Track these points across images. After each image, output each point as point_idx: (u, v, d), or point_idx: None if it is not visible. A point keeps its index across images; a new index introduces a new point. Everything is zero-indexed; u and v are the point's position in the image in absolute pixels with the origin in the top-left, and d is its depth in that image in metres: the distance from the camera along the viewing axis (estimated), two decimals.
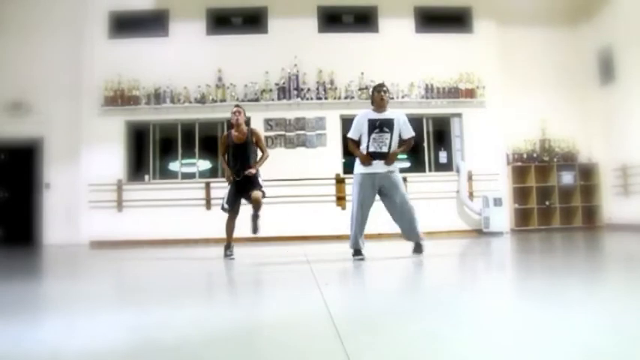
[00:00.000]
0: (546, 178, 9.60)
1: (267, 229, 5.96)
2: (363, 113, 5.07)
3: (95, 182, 8.83)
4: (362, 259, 4.92)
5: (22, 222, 9.08)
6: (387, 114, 5.01)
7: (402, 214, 5.03)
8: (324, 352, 1.82)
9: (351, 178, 8.91)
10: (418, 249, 5.09)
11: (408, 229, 5.07)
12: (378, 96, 4.99)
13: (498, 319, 2.36)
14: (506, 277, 4.19)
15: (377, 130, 4.88)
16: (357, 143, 5.06)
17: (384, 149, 4.90)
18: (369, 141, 4.89)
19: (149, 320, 2.47)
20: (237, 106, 5.91)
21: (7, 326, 2.36)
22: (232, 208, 5.64)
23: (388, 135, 4.89)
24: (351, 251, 5.09)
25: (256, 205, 5.53)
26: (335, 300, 2.88)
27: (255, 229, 5.57)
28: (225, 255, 5.63)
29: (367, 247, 5.18)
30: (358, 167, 5.04)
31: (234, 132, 5.73)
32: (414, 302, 2.89)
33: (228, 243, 5.72)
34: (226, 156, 5.75)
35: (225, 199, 5.64)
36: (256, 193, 5.49)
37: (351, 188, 8.85)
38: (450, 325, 2.19)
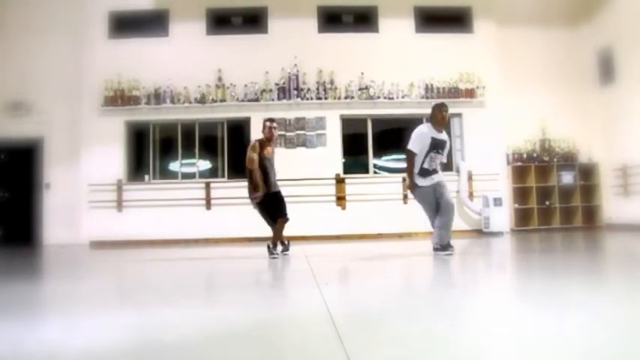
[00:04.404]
0: (546, 178, 9.59)
1: (267, 229, 5.94)
2: (426, 130, 5.20)
3: (95, 182, 8.83)
4: (451, 254, 5.05)
5: (22, 222, 9.08)
6: (443, 135, 5.26)
7: (446, 214, 5.11)
8: (324, 352, 1.82)
9: (352, 178, 9.10)
10: (444, 248, 5.11)
11: (447, 228, 5.13)
12: (440, 115, 5.14)
13: (498, 319, 2.36)
14: (506, 278, 4.19)
15: (435, 151, 5.13)
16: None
17: (435, 167, 5.19)
18: (426, 157, 5.10)
19: (149, 320, 2.47)
20: (272, 120, 5.76)
21: (7, 326, 2.36)
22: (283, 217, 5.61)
23: (441, 156, 5.22)
24: (438, 247, 5.14)
25: (279, 230, 5.57)
26: (335, 300, 2.88)
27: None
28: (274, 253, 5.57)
29: (367, 248, 5.17)
30: (420, 181, 5.18)
31: (267, 146, 5.65)
32: (414, 302, 2.89)
33: (280, 241, 5.73)
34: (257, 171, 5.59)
35: (270, 215, 5.64)
36: (283, 220, 5.57)
37: (351, 188, 9.01)
38: (449, 325, 2.19)
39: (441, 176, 5.25)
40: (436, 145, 5.10)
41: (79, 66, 9.18)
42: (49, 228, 9.01)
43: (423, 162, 5.10)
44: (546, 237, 7.99)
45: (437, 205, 5.18)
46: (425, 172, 5.12)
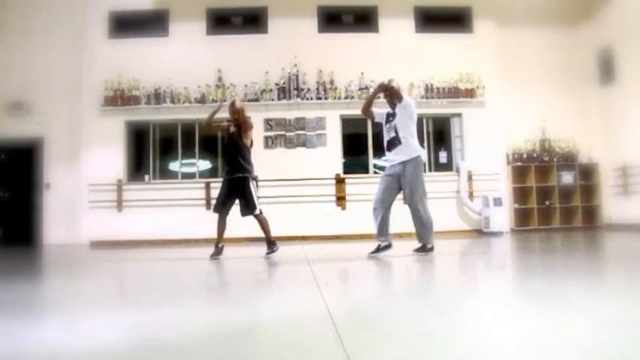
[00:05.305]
0: (546, 178, 9.59)
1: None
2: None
3: (95, 182, 8.83)
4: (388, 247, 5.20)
5: (22, 222, 9.08)
6: (396, 109, 5.28)
7: (413, 215, 5.24)
8: (324, 352, 1.82)
9: (351, 178, 9.09)
10: (422, 249, 5.12)
11: (419, 230, 5.22)
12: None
13: (498, 319, 2.36)
14: (506, 278, 4.19)
15: (387, 123, 5.32)
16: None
17: (392, 134, 5.23)
18: (383, 131, 5.34)
19: (149, 320, 2.47)
20: (232, 104, 5.77)
21: (7, 326, 2.36)
22: (221, 211, 5.53)
23: (392, 123, 5.25)
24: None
25: (264, 229, 5.51)
26: (335, 300, 2.88)
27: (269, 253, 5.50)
28: (211, 255, 5.47)
29: (367, 248, 5.18)
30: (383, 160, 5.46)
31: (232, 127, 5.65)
32: (414, 302, 2.89)
33: (217, 242, 5.55)
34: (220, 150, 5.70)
35: (216, 201, 5.61)
36: (259, 217, 5.47)
37: (351, 188, 9.00)
38: (450, 325, 2.19)
39: (396, 165, 5.17)
40: (387, 117, 5.30)
41: (79, 66, 9.19)
42: (49, 228, 9.01)
43: (383, 136, 5.32)
44: (546, 237, 7.99)
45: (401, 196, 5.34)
46: (386, 145, 5.28)
